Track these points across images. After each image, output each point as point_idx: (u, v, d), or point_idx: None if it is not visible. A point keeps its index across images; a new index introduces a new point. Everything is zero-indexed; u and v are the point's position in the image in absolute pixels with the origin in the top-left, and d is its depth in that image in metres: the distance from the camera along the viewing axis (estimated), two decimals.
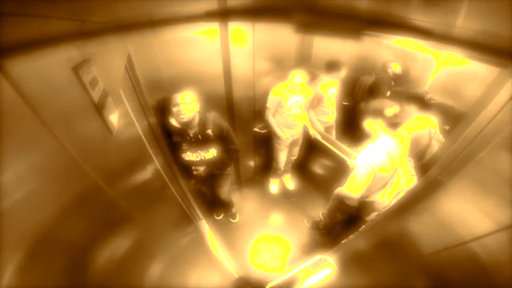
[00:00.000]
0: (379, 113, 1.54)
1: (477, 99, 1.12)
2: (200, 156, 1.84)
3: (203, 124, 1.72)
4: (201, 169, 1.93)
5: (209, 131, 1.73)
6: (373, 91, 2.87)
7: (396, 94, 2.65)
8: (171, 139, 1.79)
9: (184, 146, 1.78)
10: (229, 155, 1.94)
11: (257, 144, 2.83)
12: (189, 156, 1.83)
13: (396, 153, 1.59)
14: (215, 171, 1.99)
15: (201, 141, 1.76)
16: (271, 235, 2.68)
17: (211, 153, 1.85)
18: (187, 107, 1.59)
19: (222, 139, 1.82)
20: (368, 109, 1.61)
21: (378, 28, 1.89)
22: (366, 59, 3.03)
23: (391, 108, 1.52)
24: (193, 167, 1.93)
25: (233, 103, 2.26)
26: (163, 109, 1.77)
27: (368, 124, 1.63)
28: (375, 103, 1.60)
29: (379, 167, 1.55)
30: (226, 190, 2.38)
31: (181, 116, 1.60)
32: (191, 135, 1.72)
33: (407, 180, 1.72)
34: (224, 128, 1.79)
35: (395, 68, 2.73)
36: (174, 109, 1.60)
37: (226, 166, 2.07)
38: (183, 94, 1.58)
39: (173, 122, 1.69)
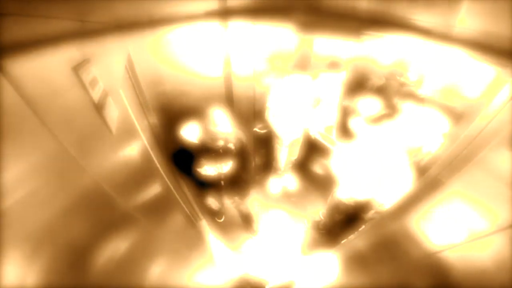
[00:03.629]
0: (356, 111, 1.55)
1: (477, 99, 1.12)
2: (218, 170, 1.83)
3: (226, 138, 1.66)
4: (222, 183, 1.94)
5: (231, 145, 1.71)
6: (380, 93, 2.85)
7: (399, 95, 2.65)
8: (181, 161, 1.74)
9: (203, 160, 1.74)
10: (244, 173, 1.96)
11: (257, 144, 2.83)
12: (206, 170, 1.80)
13: (384, 151, 1.59)
14: (234, 186, 2.03)
15: (221, 154, 1.72)
16: (271, 235, 2.68)
17: (229, 167, 1.84)
18: (222, 130, 1.52)
19: (240, 155, 1.82)
20: (349, 109, 1.63)
21: (378, 28, 1.89)
22: (367, 60, 3.02)
23: (369, 106, 1.52)
24: (214, 182, 1.92)
25: (233, 103, 2.26)
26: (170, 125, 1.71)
27: (351, 123, 1.64)
28: (353, 104, 1.62)
29: (369, 166, 1.55)
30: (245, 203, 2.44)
31: (219, 142, 1.56)
32: (214, 147, 1.66)
33: (401, 177, 1.72)
34: (243, 144, 1.78)
35: (407, 78, 2.66)
36: (208, 134, 1.51)
37: (244, 183, 2.11)
38: (217, 116, 1.47)
39: (190, 137, 1.61)
